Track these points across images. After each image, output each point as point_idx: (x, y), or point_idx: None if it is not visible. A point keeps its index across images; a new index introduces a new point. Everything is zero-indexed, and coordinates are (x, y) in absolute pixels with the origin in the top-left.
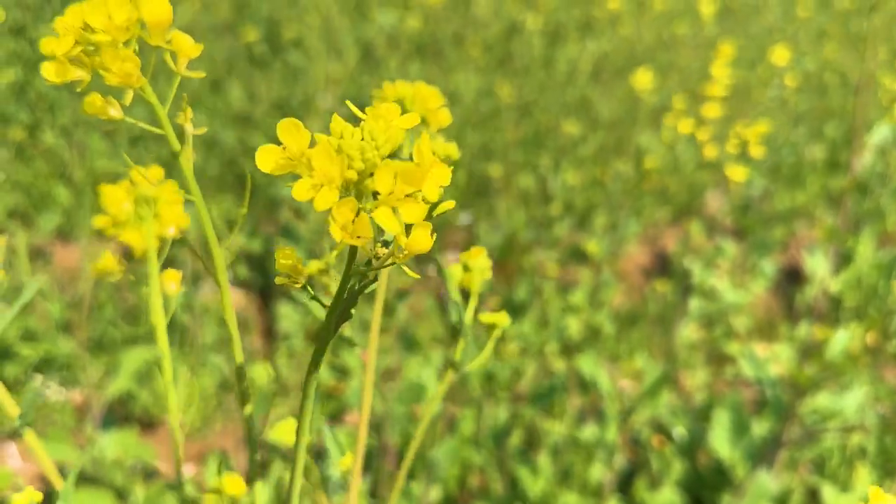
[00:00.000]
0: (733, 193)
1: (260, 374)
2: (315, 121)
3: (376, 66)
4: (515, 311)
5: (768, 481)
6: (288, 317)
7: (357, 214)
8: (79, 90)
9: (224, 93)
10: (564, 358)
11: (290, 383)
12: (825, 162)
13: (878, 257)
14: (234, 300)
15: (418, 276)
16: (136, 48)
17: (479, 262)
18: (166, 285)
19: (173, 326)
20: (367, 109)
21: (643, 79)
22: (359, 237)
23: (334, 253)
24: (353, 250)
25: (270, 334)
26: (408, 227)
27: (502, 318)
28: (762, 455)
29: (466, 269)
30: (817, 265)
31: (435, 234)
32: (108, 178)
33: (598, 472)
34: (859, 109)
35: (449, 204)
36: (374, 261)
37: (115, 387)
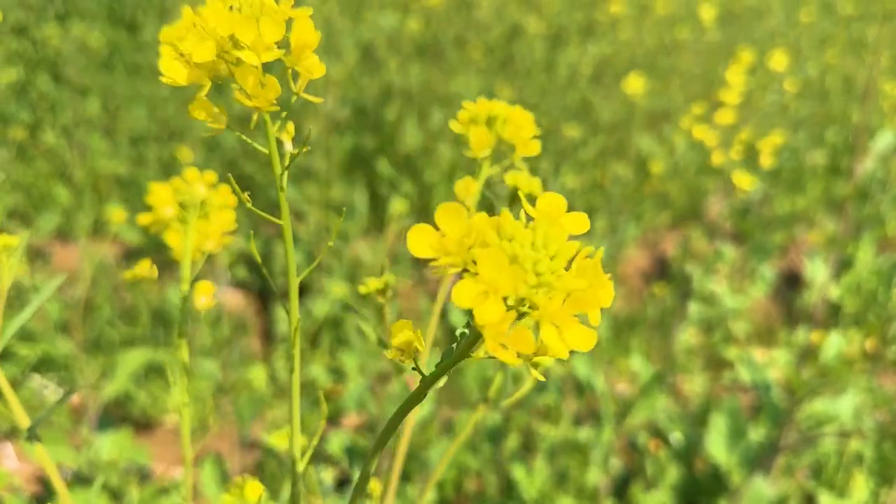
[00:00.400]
0: (734, 198)
1: (257, 376)
2: (314, 121)
3: (377, 67)
4: None
5: (765, 487)
6: (286, 319)
7: (513, 326)
8: (198, 94)
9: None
10: (561, 362)
11: (287, 385)
12: (826, 167)
13: (878, 263)
14: (233, 302)
15: (543, 379)
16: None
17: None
18: (197, 298)
19: (170, 330)
20: (537, 207)
21: (635, 84)
22: (515, 352)
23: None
24: (472, 338)
25: (269, 336)
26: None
27: (548, 359)
28: (759, 460)
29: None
30: (817, 271)
31: (596, 340)
32: (108, 179)
33: (594, 476)
34: (862, 116)
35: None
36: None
37: (112, 388)
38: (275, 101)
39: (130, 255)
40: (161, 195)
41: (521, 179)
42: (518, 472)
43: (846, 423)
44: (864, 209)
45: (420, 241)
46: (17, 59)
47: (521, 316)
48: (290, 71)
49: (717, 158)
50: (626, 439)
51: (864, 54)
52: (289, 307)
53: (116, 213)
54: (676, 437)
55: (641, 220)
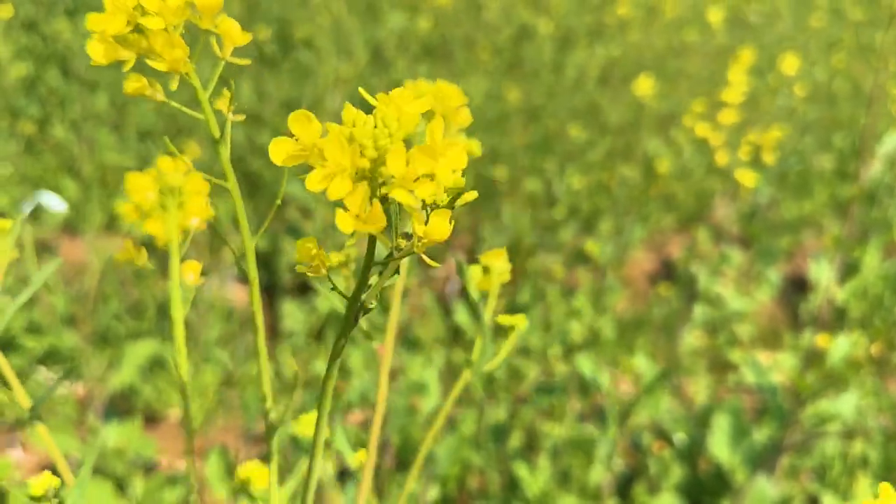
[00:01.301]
0: (741, 201)
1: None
2: (324, 120)
3: (385, 67)
4: (519, 313)
5: (768, 487)
6: (292, 315)
7: (370, 202)
8: (124, 70)
9: (234, 90)
10: (566, 362)
11: (291, 382)
12: (833, 171)
13: (885, 268)
14: (239, 297)
15: (439, 266)
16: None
17: (499, 265)
18: (185, 276)
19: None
20: (378, 96)
21: (645, 85)
22: (372, 225)
23: (351, 242)
24: (371, 241)
25: (274, 332)
26: (427, 218)
27: (521, 321)
28: (762, 461)
29: (486, 270)
30: (823, 274)
31: (453, 223)
32: (117, 172)
33: (598, 475)
34: (869, 120)
35: (471, 194)
36: (394, 252)
37: (118, 380)
38: (187, 61)
39: (144, 247)
40: (139, 183)
41: (461, 143)
42: (521, 471)
43: (848, 421)
44: (871, 213)
45: (278, 150)
46: (26, 54)
47: (380, 194)
48: (214, 39)
49: (721, 158)
50: (629, 439)
51: (871, 59)
52: (247, 267)
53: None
54: (680, 437)
55: (647, 222)
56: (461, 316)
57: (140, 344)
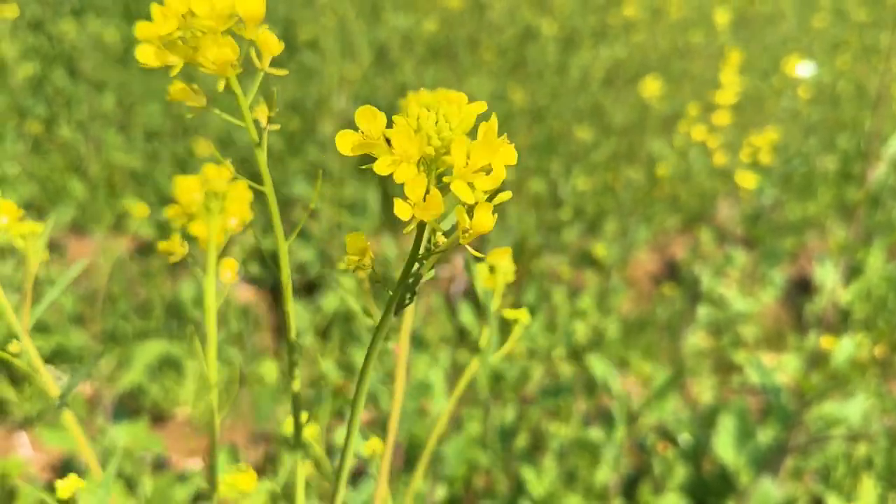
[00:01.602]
0: (745, 202)
1: (269, 371)
2: (328, 121)
3: (390, 68)
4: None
5: (772, 488)
6: (298, 315)
7: (429, 192)
8: (171, 75)
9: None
10: (571, 362)
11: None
12: (837, 173)
13: (889, 269)
14: (245, 297)
15: (483, 257)
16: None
17: (505, 263)
18: (223, 274)
19: (186, 321)
20: (437, 95)
21: (652, 86)
22: (431, 212)
23: (409, 229)
24: (419, 234)
25: (280, 332)
26: (470, 212)
27: (524, 315)
28: (767, 462)
29: (492, 269)
30: (827, 276)
31: (496, 216)
32: (124, 172)
33: (603, 475)
34: (874, 122)
35: (506, 195)
36: (435, 245)
37: (127, 379)
38: (236, 65)
39: (144, 250)
40: (188, 186)
41: None
42: (527, 471)
43: (855, 426)
44: (876, 215)
45: (345, 141)
46: (33, 54)
47: (439, 181)
48: (252, 49)
49: (719, 160)
50: (634, 440)
51: (876, 61)
52: (279, 269)
53: (139, 209)
54: (685, 437)
55: (652, 223)
56: (466, 316)
57: (148, 343)
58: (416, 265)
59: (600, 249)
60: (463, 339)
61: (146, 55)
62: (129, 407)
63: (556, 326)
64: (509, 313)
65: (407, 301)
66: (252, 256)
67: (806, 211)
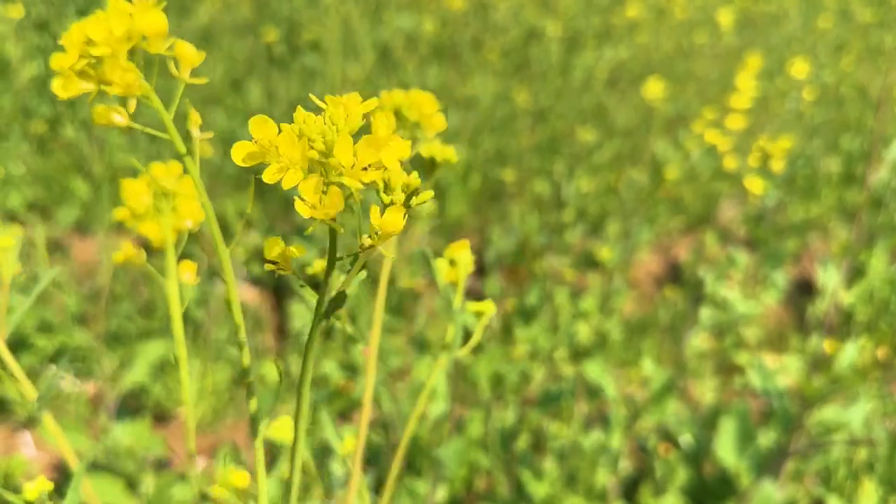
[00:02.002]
0: (748, 204)
1: (270, 370)
2: None
3: (394, 68)
4: (526, 315)
5: (773, 491)
6: (300, 315)
7: (325, 191)
8: (89, 101)
9: (244, 92)
10: (573, 363)
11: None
12: (840, 175)
13: (891, 272)
14: (248, 297)
15: (392, 257)
16: (141, 60)
17: (464, 256)
18: (182, 275)
19: (188, 321)
20: (326, 98)
21: (655, 88)
22: (327, 210)
23: (310, 230)
24: (333, 235)
25: (283, 332)
26: (383, 212)
27: (488, 307)
28: (768, 465)
29: (452, 262)
30: (829, 278)
31: (407, 216)
32: (127, 172)
33: (604, 477)
34: (878, 124)
35: (427, 194)
36: (361, 247)
37: (130, 379)
38: (140, 84)
39: (147, 249)
40: (133, 188)
41: (436, 149)
42: (527, 473)
43: (856, 431)
44: (878, 218)
45: (239, 152)
46: (38, 54)
47: (333, 183)
48: (172, 62)
49: (728, 163)
50: (636, 442)
51: (880, 62)
52: (224, 275)
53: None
54: (686, 439)
55: (654, 225)
56: (468, 317)
57: (151, 343)
58: (340, 266)
59: (605, 253)
60: (466, 341)
61: (58, 88)
62: (132, 406)
63: (559, 327)
64: (473, 306)
65: (339, 303)
66: (254, 257)
67: (809, 213)
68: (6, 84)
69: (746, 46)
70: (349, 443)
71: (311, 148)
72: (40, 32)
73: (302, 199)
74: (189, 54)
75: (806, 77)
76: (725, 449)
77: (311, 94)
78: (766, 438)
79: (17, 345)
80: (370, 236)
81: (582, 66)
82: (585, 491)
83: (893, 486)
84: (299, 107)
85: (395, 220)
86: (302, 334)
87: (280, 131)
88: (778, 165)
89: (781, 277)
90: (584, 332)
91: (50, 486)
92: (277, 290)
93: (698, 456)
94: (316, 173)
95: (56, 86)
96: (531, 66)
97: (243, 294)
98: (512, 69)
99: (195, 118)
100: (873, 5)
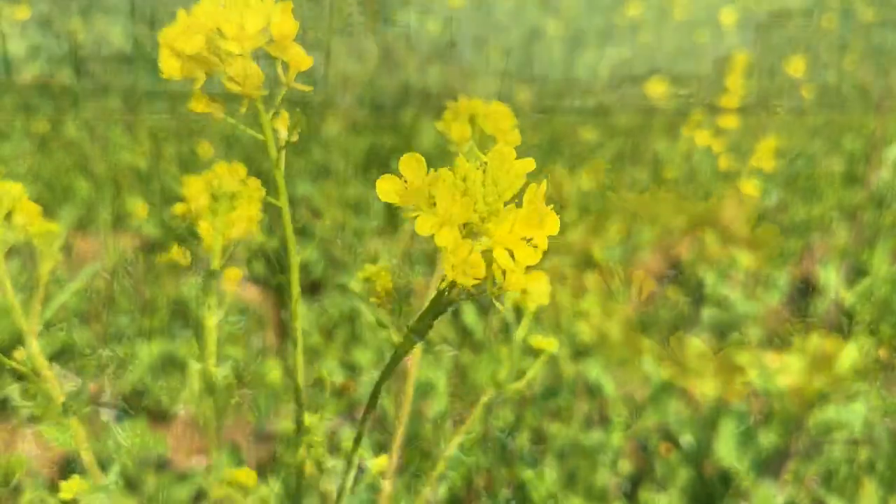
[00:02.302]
0: (749, 204)
1: (272, 369)
2: (335, 121)
3: (395, 67)
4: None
5: (774, 492)
6: (303, 315)
7: (470, 253)
8: (194, 88)
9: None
10: (575, 363)
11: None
12: (842, 175)
13: (892, 272)
14: (250, 296)
15: (504, 309)
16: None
17: (540, 287)
18: (226, 284)
19: (189, 320)
20: (489, 154)
21: (658, 88)
22: (471, 276)
23: (443, 285)
24: (439, 294)
25: (284, 331)
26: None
27: (551, 345)
28: (768, 465)
29: (524, 291)
30: (831, 278)
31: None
32: (128, 173)
33: (604, 477)
34: (879, 124)
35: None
36: (464, 292)
37: (131, 378)
38: (261, 87)
39: (149, 248)
40: (195, 186)
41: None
42: (527, 472)
43: (857, 431)
44: (880, 218)
45: (387, 188)
46: (41, 53)
47: (481, 248)
48: (279, 62)
49: (724, 164)
50: (636, 441)
51: (882, 62)
52: (291, 281)
53: (139, 208)
54: (687, 440)
55: (656, 224)
56: (469, 317)
57: (152, 342)
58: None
59: (604, 253)
60: (465, 339)
61: (171, 68)
62: (132, 405)
63: (560, 327)
64: (537, 342)
65: (424, 334)
66: (256, 256)
67: (811, 212)
68: (9, 82)
69: (748, 46)
70: (382, 461)
71: (474, 211)
72: (43, 31)
73: (444, 253)
74: (301, 59)
75: (804, 75)
76: (726, 449)
77: (476, 150)
78: (767, 439)
79: (18, 343)
80: (490, 287)
81: (584, 66)
82: (585, 490)
83: (894, 486)
84: (462, 157)
85: (518, 280)
86: (305, 335)
87: (429, 172)
88: (768, 165)
89: (783, 277)
90: (585, 331)
91: (86, 485)
92: (279, 288)
93: (699, 456)
94: (469, 238)
95: (168, 66)
96: (533, 65)
97: (246, 292)
98: (514, 68)
99: (284, 119)
100: (875, 5)
